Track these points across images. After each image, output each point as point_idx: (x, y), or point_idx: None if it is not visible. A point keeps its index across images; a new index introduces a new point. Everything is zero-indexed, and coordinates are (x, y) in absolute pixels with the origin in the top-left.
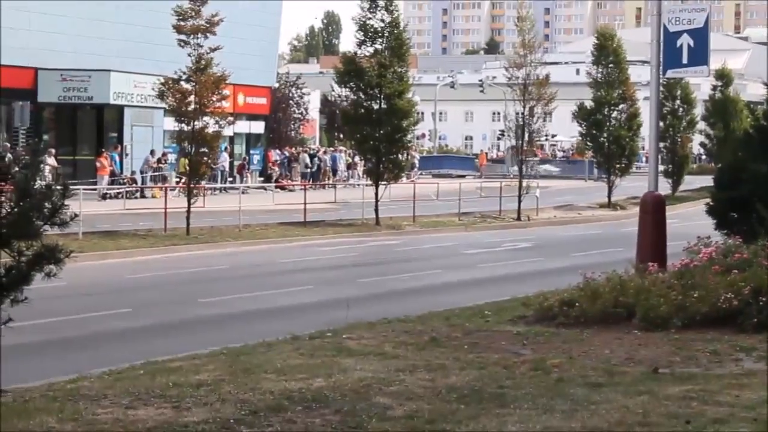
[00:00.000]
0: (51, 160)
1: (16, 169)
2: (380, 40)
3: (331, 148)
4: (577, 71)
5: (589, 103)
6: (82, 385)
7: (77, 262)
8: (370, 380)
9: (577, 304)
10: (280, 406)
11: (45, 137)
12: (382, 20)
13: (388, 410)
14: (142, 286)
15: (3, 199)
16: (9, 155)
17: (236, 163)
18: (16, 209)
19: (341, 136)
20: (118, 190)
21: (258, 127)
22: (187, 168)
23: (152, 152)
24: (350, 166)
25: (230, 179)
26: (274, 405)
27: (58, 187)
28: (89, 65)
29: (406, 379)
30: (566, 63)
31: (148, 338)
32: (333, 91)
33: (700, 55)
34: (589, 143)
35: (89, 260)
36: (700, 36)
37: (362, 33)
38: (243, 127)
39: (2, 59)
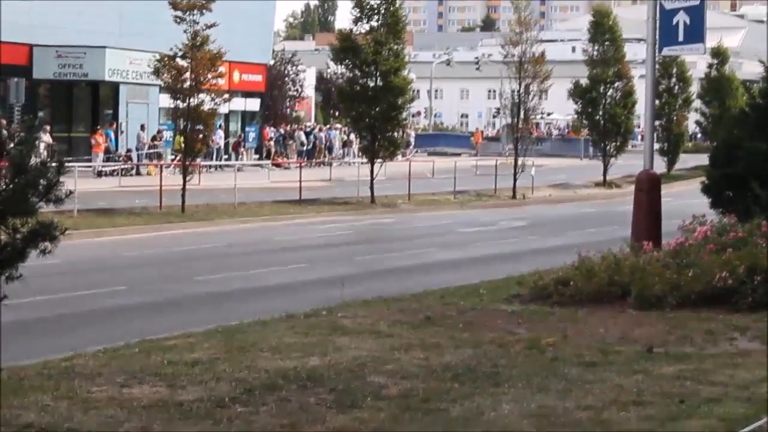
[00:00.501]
0: (46, 137)
1: (11, 145)
2: (376, 17)
3: (327, 126)
4: (573, 49)
5: (584, 81)
6: (76, 363)
7: (72, 240)
8: (365, 359)
9: (572, 282)
10: (275, 385)
11: (40, 114)
12: None
13: (382, 389)
14: (137, 264)
15: None
16: (4, 131)
17: (232, 140)
18: (11, 185)
19: (337, 113)
20: (113, 168)
21: (253, 104)
22: (183, 145)
23: (142, 127)
24: (345, 144)
25: (225, 156)
26: (269, 383)
27: (53, 164)
28: (85, 42)
29: (401, 358)
30: (562, 41)
31: (143, 316)
32: (329, 68)
33: (696, 33)
34: (584, 121)
35: (84, 238)
36: (696, 13)
37: (358, 10)
38: (238, 104)
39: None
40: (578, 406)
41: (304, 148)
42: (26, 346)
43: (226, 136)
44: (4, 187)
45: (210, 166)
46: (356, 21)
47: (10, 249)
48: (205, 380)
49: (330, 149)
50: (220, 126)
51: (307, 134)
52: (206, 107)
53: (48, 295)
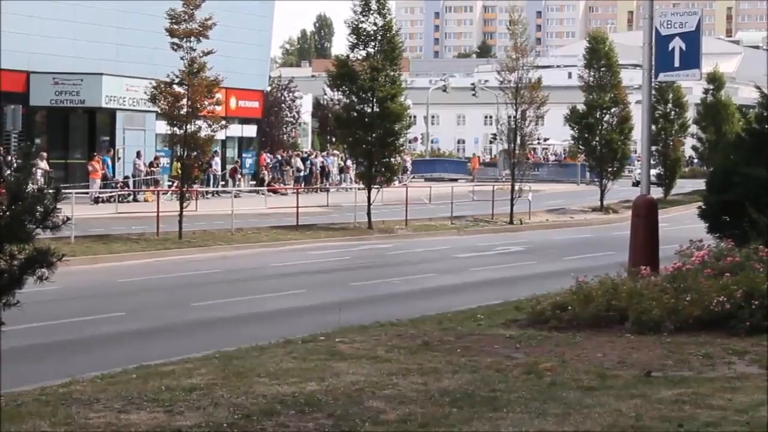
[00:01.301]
0: (43, 164)
1: (8, 172)
2: (373, 43)
3: (324, 152)
4: (569, 75)
5: (581, 107)
6: (74, 389)
7: (69, 266)
8: (363, 384)
9: (569, 307)
10: (272, 410)
11: (37, 141)
12: (375, 24)
13: (380, 414)
14: (135, 290)
15: None
16: (0, 159)
17: (228, 166)
18: (7, 212)
19: (333, 139)
20: (110, 194)
21: (250, 130)
22: (180, 172)
23: (138, 154)
24: (342, 170)
25: (222, 183)
26: (267, 409)
27: (50, 191)
28: (81, 69)
29: (399, 383)
30: (558, 66)
31: (140, 342)
32: (325, 94)
33: (691, 59)
34: (581, 147)
35: (81, 264)
36: (692, 39)
37: (355, 36)
38: (235, 130)
39: None
40: (577, 431)
41: (301, 174)
42: (23, 372)
43: (223, 163)
44: (0, 214)
45: (207, 192)
46: (353, 47)
47: (6, 276)
48: (203, 406)
49: (327, 175)
50: (215, 153)
51: (304, 160)
52: (203, 134)
53: (45, 321)
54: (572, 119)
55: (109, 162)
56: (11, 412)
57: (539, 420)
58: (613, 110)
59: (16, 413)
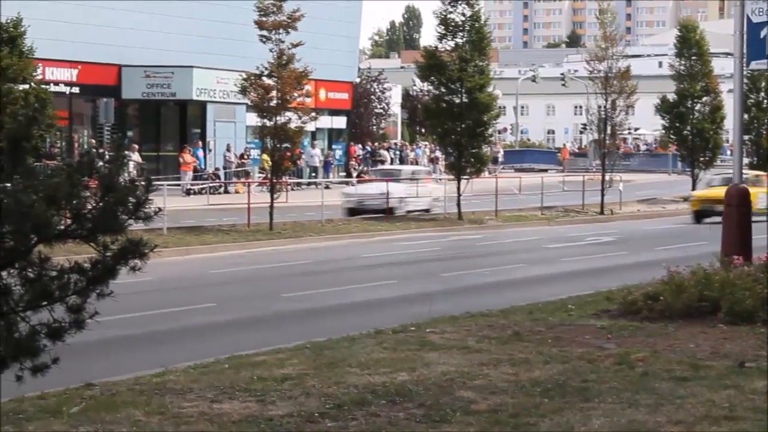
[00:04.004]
0: (135, 156)
1: (101, 164)
2: (461, 34)
3: (413, 143)
4: (660, 64)
5: (671, 96)
6: (168, 378)
7: (162, 257)
8: (454, 374)
9: (661, 298)
10: (364, 400)
11: (129, 133)
12: (463, 14)
13: (471, 404)
14: (226, 281)
15: (88, 194)
16: (93, 150)
17: (320, 158)
18: (100, 203)
19: (423, 130)
20: (201, 186)
21: (340, 122)
22: (270, 164)
23: (228, 147)
24: (432, 161)
25: (313, 174)
26: (358, 399)
27: (142, 182)
28: (172, 62)
29: (490, 373)
30: (648, 56)
31: (232, 332)
32: (414, 85)
33: None
34: (672, 136)
35: (173, 255)
36: None
37: (443, 27)
38: (325, 122)
39: (87, 56)
40: (669, 421)
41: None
42: (118, 361)
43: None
44: (94, 205)
45: (298, 184)
46: (441, 38)
47: (100, 266)
48: (295, 395)
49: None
50: (312, 145)
51: (394, 151)
52: (293, 125)
53: (138, 312)
54: (663, 109)
55: (200, 154)
56: (106, 401)
57: (631, 410)
58: (704, 99)
59: (111, 402)
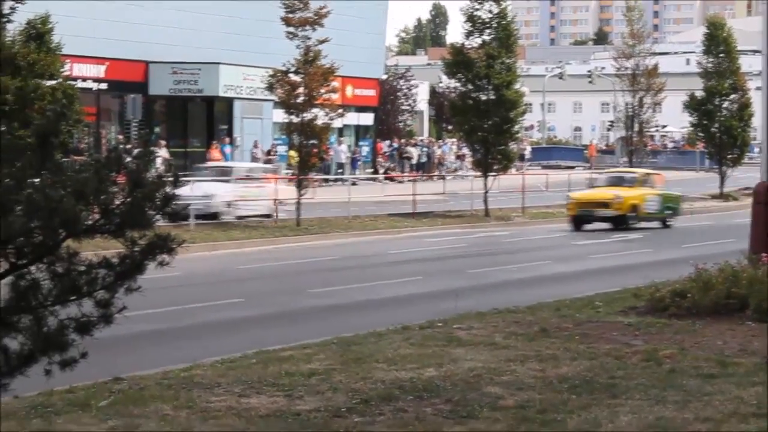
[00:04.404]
0: (163, 152)
1: (129, 159)
2: (488, 31)
3: (440, 140)
4: (687, 61)
5: (699, 93)
6: (195, 373)
7: (189, 253)
8: (481, 370)
9: (689, 295)
10: (391, 396)
11: (156, 129)
12: (490, 11)
13: (499, 400)
14: (253, 277)
15: (116, 189)
16: (121, 146)
17: (346, 155)
18: (128, 199)
19: (449, 127)
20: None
21: (367, 118)
22: (297, 160)
23: (255, 144)
24: (459, 158)
25: (339, 171)
26: (385, 394)
27: (170, 178)
28: (199, 58)
29: (517, 369)
30: (676, 53)
31: (259, 327)
32: (440, 82)
33: None
34: (700, 134)
35: (201, 251)
36: None
37: (470, 24)
38: (352, 118)
39: (115, 53)
40: (697, 418)
41: (417, 162)
42: (146, 356)
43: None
44: (122, 200)
45: (325, 180)
46: (468, 35)
47: (128, 261)
48: (322, 390)
49: (442, 163)
50: (339, 141)
51: (420, 148)
52: (320, 122)
53: (166, 307)
54: (691, 106)
55: (228, 150)
56: (134, 395)
57: (659, 407)
58: (732, 97)
59: (139, 396)
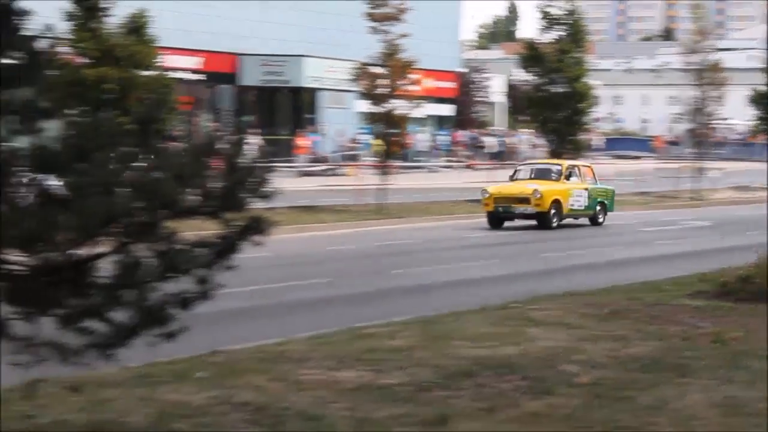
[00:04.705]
0: (254, 139)
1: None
2: (560, 27)
3: (515, 130)
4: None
5: (762, 88)
6: (288, 348)
7: (279, 234)
8: (556, 349)
9: (755, 280)
10: (471, 371)
11: (248, 118)
12: (562, 8)
13: (573, 377)
14: (339, 258)
15: (212, 174)
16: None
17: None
18: (225, 183)
19: (523, 118)
20: (315, 168)
21: (445, 109)
22: (381, 148)
23: (340, 132)
24: (534, 147)
25: (419, 158)
26: (466, 370)
27: (261, 164)
28: (286, 51)
29: (590, 349)
30: (738, 49)
31: (345, 306)
32: (511, 75)
33: None
34: (763, 126)
35: (290, 233)
36: None
37: (543, 20)
38: (432, 109)
39: (209, 46)
40: (764, 397)
41: (494, 150)
42: (241, 331)
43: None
44: (218, 184)
45: (407, 167)
46: (541, 31)
47: (225, 241)
48: (406, 366)
49: (516, 152)
50: (420, 131)
51: (497, 138)
52: (400, 112)
53: (260, 285)
54: (755, 100)
55: (315, 138)
56: (230, 368)
57: (726, 386)
58: None
59: (235, 368)
